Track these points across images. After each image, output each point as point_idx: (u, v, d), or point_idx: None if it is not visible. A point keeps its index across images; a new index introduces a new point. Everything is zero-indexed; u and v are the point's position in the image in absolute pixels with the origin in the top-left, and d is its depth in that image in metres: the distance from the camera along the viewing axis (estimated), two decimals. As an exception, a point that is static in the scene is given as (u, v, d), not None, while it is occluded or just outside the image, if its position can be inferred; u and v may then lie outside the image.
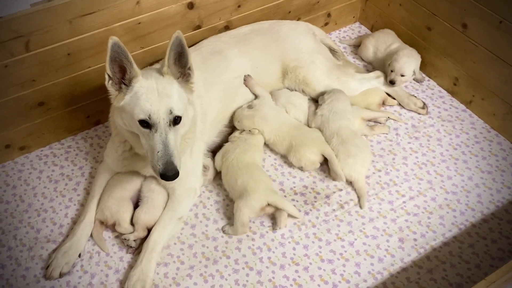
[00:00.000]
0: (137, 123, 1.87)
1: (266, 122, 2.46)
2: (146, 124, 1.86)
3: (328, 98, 2.55)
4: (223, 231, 2.22)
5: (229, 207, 2.30)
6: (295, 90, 2.72)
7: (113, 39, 1.81)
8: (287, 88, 2.74)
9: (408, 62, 2.70)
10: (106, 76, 1.89)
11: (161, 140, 1.86)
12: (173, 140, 1.88)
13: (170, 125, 1.88)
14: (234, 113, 2.54)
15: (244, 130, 2.48)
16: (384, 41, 2.95)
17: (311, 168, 2.43)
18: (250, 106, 2.50)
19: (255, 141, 2.45)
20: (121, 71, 1.90)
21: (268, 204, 2.16)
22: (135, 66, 1.88)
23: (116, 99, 1.93)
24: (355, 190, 2.37)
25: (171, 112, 1.87)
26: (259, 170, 2.31)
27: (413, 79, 2.88)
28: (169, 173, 1.85)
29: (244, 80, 2.54)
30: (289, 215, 2.21)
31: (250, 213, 2.15)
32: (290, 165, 2.49)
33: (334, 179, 2.41)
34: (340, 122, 2.46)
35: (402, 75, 2.69)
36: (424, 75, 2.96)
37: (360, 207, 2.30)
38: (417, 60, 2.78)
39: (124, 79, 1.91)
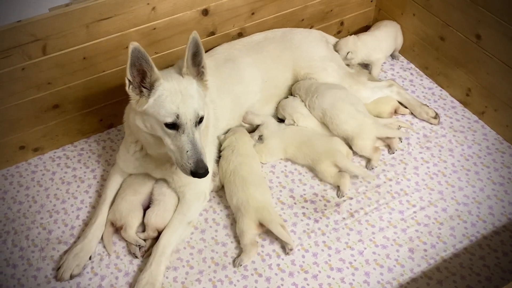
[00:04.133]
0: (163, 125, 1.90)
1: (273, 155, 2.52)
2: (172, 125, 1.89)
3: (299, 88, 2.64)
4: (239, 265, 2.11)
5: (239, 213, 2.30)
6: None
7: (133, 45, 1.82)
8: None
9: (348, 43, 2.85)
10: (127, 81, 1.90)
11: (189, 140, 1.90)
12: (199, 139, 1.94)
13: (195, 125, 1.93)
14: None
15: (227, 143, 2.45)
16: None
17: (337, 177, 2.40)
18: (260, 138, 2.51)
19: (243, 150, 2.41)
20: (140, 75, 1.91)
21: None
22: (155, 69, 1.89)
23: (138, 104, 1.93)
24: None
25: (196, 113, 1.92)
26: (254, 186, 2.24)
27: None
28: (200, 171, 1.90)
29: (244, 118, 2.58)
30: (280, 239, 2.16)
31: (251, 234, 2.12)
32: (301, 172, 2.50)
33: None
34: (328, 98, 2.54)
35: (337, 51, 2.86)
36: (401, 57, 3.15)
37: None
38: (351, 44, 2.85)
39: (143, 83, 1.92)
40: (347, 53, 2.83)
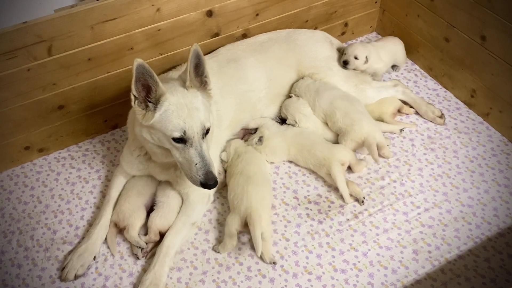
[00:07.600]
0: (171, 140, 1.91)
1: (276, 154, 2.52)
2: (180, 139, 1.91)
3: (302, 89, 2.64)
4: (213, 249, 2.18)
5: (243, 214, 2.31)
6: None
7: (138, 61, 1.81)
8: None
9: (361, 46, 2.74)
10: (132, 97, 1.90)
11: (197, 153, 1.92)
12: (207, 151, 1.96)
13: (202, 137, 1.94)
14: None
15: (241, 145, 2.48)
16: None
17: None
18: (260, 140, 2.50)
19: (246, 151, 2.43)
20: (145, 90, 1.91)
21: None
22: (160, 84, 1.89)
23: (144, 118, 1.93)
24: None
25: (203, 126, 1.93)
26: (253, 185, 2.21)
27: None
28: (210, 182, 1.93)
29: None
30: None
31: (232, 229, 2.10)
32: (305, 173, 2.50)
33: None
34: (326, 98, 2.55)
35: (356, 58, 2.71)
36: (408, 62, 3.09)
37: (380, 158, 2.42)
38: (366, 48, 2.75)
39: (148, 97, 1.92)
40: (366, 56, 2.73)
